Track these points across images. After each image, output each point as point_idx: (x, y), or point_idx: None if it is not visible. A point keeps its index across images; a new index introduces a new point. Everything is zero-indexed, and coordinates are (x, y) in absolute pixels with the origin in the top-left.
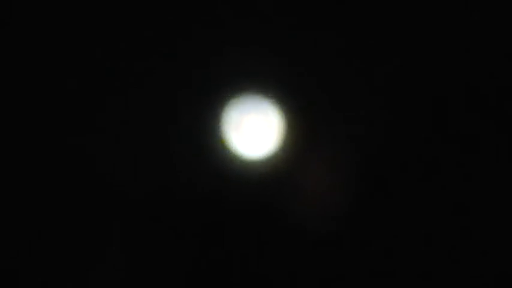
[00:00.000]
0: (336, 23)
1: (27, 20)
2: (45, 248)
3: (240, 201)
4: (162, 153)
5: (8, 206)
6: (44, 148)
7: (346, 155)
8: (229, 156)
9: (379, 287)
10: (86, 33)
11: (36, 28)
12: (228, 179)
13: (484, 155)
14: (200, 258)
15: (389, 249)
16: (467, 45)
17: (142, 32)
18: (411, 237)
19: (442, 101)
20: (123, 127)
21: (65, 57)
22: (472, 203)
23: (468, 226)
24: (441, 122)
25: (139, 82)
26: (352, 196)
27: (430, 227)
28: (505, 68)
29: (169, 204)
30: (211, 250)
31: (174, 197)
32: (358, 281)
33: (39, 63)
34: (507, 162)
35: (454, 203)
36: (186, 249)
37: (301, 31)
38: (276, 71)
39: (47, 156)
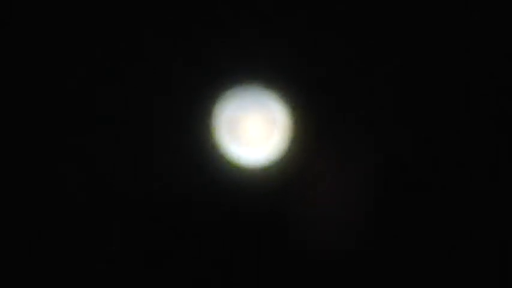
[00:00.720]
0: (350, 12)
1: (27, 20)
2: (45, 248)
3: (240, 210)
4: (159, 155)
5: (8, 206)
6: (44, 148)
7: (361, 160)
8: (229, 161)
9: None
10: (84, 32)
11: (36, 28)
12: (227, 185)
13: (485, 155)
14: (200, 259)
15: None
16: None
17: (135, 27)
18: (432, 253)
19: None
20: (119, 126)
21: (65, 57)
22: (482, 205)
23: (479, 229)
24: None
25: (135, 80)
26: (369, 206)
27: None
28: (505, 68)
29: (167, 206)
30: (211, 251)
31: (171, 200)
32: None
33: (39, 63)
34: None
35: (464, 204)
36: (186, 249)
37: (308, 21)
38: (282, 65)
39: (47, 156)
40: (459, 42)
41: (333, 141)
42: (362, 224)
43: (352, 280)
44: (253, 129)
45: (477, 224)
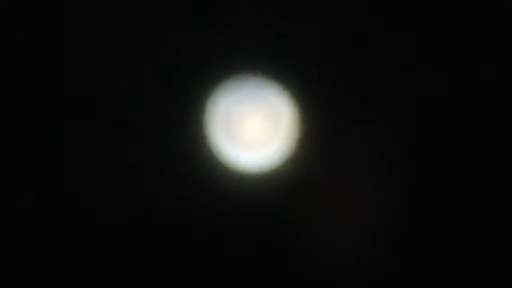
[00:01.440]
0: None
1: (27, 19)
2: (45, 248)
3: (238, 218)
4: (147, 158)
5: (7, 206)
6: (41, 147)
7: (378, 163)
8: (226, 165)
9: None
10: (79, 31)
11: (36, 28)
12: (224, 192)
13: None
14: (196, 267)
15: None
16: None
17: (128, 22)
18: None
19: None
20: (106, 127)
21: (59, 56)
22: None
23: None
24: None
25: (123, 76)
26: (386, 216)
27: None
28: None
29: (159, 213)
30: (207, 259)
31: (163, 207)
32: None
33: (37, 62)
34: None
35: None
36: (186, 250)
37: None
38: (287, 56)
39: (43, 156)
40: (460, 42)
41: (342, 142)
42: (370, 230)
43: (355, 285)
44: (253, 129)
45: (479, 224)
